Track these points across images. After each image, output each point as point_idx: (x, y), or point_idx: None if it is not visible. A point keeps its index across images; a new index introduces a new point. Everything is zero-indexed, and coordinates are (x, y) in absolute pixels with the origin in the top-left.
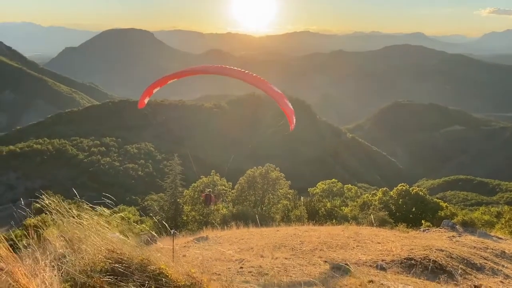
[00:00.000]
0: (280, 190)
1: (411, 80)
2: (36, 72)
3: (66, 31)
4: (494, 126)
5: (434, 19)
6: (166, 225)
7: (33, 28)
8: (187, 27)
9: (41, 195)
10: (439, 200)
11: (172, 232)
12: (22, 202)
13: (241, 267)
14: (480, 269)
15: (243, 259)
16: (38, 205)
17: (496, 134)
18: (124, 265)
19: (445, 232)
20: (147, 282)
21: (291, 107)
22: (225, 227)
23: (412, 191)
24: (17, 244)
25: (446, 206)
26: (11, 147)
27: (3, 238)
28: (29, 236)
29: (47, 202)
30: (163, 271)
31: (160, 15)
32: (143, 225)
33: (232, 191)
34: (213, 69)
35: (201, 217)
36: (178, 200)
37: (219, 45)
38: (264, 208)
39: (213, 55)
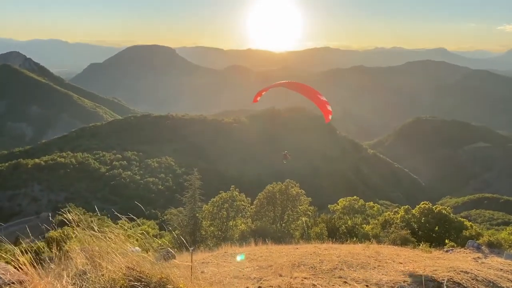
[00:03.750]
0: (300, 207)
1: (433, 96)
2: (62, 87)
3: (91, 47)
4: None
5: (456, 34)
6: (185, 240)
7: (60, 45)
8: (208, 44)
9: (64, 208)
10: (464, 219)
11: (191, 250)
12: (46, 215)
13: (259, 286)
14: None
15: (262, 278)
16: (60, 217)
17: None
18: (143, 283)
19: (470, 253)
20: None
21: (324, 99)
22: (244, 243)
23: (435, 209)
24: (40, 256)
25: (471, 226)
26: (36, 160)
27: (26, 250)
28: (51, 250)
29: (69, 216)
30: None
31: (182, 32)
32: (163, 239)
33: (251, 206)
34: (290, 85)
35: (219, 233)
36: (197, 215)
37: (240, 61)
38: (283, 224)
39: (234, 71)
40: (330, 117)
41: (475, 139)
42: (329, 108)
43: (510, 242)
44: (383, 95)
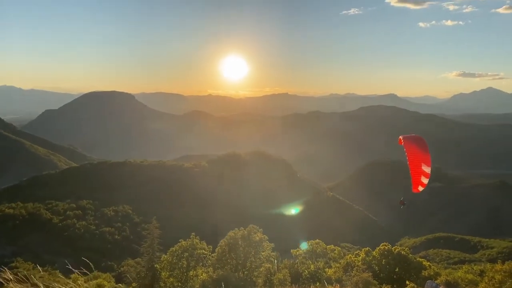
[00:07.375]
0: (263, 253)
1: (386, 139)
2: (13, 134)
3: (46, 94)
4: (471, 183)
5: (405, 81)
6: None
7: (13, 92)
8: (169, 90)
9: (10, 263)
10: (422, 259)
11: None
12: None
13: None
14: None
15: None
16: (5, 275)
17: (474, 191)
18: None
19: None
20: None
21: (425, 170)
22: None
23: (395, 250)
24: None
25: (429, 266)
26: None
27: None
28: None
29: (9, 275)
30: None
31: (141, 78)
32: None
33: (212, 254)
34: (411, 143)
35: (179, 284)
36: (156, 265)
37: (200, 107)
38: (246, 272)
39: (195, 116)
40: (419, 188)
41: (429, 179)
42: (425, 181)
43: (467, 281)
44: (339, 138)
